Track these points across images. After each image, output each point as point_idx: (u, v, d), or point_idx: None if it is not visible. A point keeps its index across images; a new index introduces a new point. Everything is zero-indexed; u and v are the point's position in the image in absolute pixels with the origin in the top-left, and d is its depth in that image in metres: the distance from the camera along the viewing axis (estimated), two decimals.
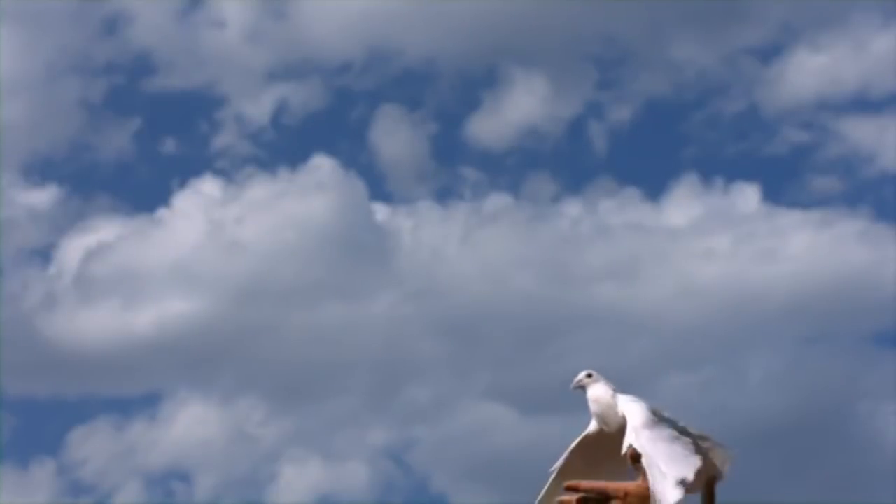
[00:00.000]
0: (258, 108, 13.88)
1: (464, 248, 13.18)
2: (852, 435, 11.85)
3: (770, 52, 14.14)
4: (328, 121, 14.13)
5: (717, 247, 12.81)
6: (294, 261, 12.90)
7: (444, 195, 13.85)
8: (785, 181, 14.26)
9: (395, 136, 13.88)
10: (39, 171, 13.69)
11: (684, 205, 13.29)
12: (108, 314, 12.38)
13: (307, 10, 14.02)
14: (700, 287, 12.74)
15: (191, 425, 12.35)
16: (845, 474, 11.29)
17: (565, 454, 4.37)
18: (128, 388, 12.71)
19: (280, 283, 12.75)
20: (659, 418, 4.23)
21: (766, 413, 11.78)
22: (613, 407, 4.45)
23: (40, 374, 12.52)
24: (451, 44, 13.88)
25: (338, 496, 12.14)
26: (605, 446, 4.37)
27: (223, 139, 13.85)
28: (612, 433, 4.35)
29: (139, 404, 12.64)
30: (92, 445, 12.27)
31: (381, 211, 13.57)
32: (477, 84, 14.15)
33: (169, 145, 13.96)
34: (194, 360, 12.19)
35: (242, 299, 12.59)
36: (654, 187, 13.67)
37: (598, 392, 4.47)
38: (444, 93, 14.14)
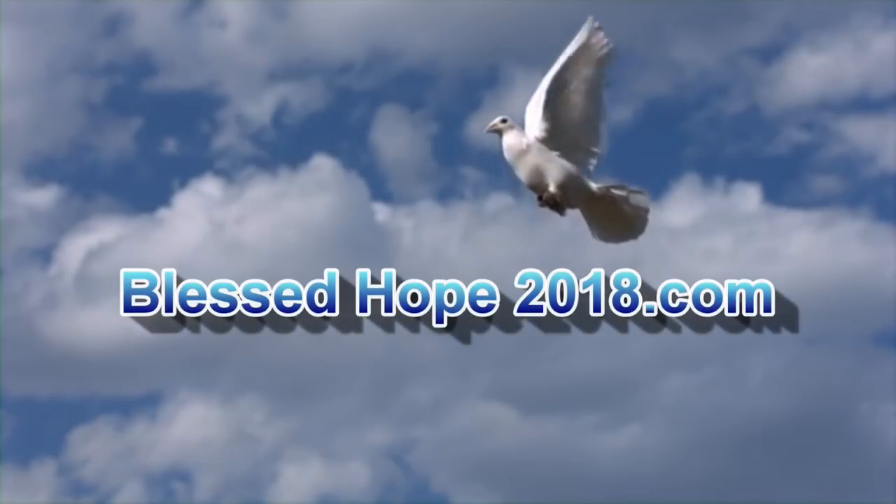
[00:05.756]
0: (259, 108, 13.89)
1: (464, 247, 13.18)
2: (852, 435, 11.85)
3: (771, 53, 14.14)
4: (329, 121, 14.14)
5: (717, 247, 12.81)
6: (295, 261, 12.91)
7: (445, 195, 13.85)
8: (786, 181, 14.26)
9: (396, 137, 13.89)
10: (40, 171, 13.70)
11: (685, 205, 13.29)
12: (109, 314, 12.38)
13: (308, 10, 14.03)
14: None
15: (191, 425, 12.36)
16: (845, 474, 11.30)
17: None
18: (128, 388, 12.72)
19: None
20: (576, 177, 4.35)
21: (766, 413, 11.78)
22: (524, 155, 4.48)
23: (40, 374, 12.53)
24: (452, 44, 13.89)
25: (338, 496, 12.15)
26: None
27: (224, 139, 13.86)
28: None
29: (140, 404, 12.64)
30: (92, 445, 12.28)
31: (381, 211, 13.58)
32: (478, 84, 14.15)
33: (170, 145, 13.96)
34: (194, 360, 12.20)
35: None
36: (655, 187, 13.62)
37: (511, 140, 4.50)
38: (444, 93, 14.15)
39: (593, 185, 4.50)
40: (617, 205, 4.51)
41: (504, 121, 4.54)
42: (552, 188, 4.45)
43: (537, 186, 4.50)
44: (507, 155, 4.50)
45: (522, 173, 4.47)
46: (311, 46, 14.10)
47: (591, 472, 11.81)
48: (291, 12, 14.28)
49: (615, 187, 4.52)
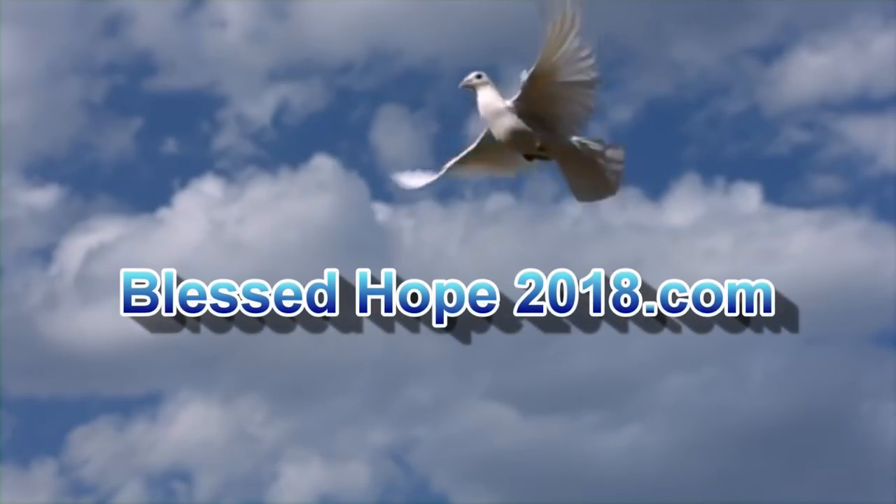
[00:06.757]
0: (259, 108, 13.88)
1: (464, 247, 13.19)
2: (853, 435, 11.84)
3: (771, 53, 14.13)
4: (329, 121, 14.13)
5: (718, 247, 12.81)
6: (295, 261, 12.91)
7: (445, 195, 13.83)
8: (786, 181, 14.24)
9: (397, 137, 13.88)
10: (40, 171, 13.68)
11: (685, 205, 13.29)
12: (109, 314, 12.38)
13: (308, 10, 14.03)
14: None
15: (192, 425, 12.35)
16: (845, 474, 11.29)
17: (461, 154, 4.50)
18: (128, 388, 12.70)
19: None
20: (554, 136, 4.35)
21: (767, 413, 11.77)
22: (500, 115, 4.42)
23: (40, 374, 12.51)
24: (452, 44, 13.87)
25: (339, 496, 12.14)
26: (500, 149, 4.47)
27: (224, 139, 13.85)
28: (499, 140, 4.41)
29: (140, 404, 12.63)
30: (93, 445, 12.27)
31: (382, 211, 13.57)
32: None
33: (170, 145, 13.95)
34: (194, 360, 12.20)
35: None
36: (655, 187, 13.66)
37: (486, 98, 4.44)
38: (445, 93, 14.14)
39: (570, 139, 4.48)
40: (593, 159, 4.49)
41: (479, 76, 4.49)
42: (536, 142, 4.41)
43: (514, 144, 4.47)
44: (482, 112, 4.45)
45: (499, 133, 4.42)
46: (311, 46, 14.11)
47: (591, 472, 11.81)
48: (291, 12, 14.28)
49: (592, 140, 4.50)
